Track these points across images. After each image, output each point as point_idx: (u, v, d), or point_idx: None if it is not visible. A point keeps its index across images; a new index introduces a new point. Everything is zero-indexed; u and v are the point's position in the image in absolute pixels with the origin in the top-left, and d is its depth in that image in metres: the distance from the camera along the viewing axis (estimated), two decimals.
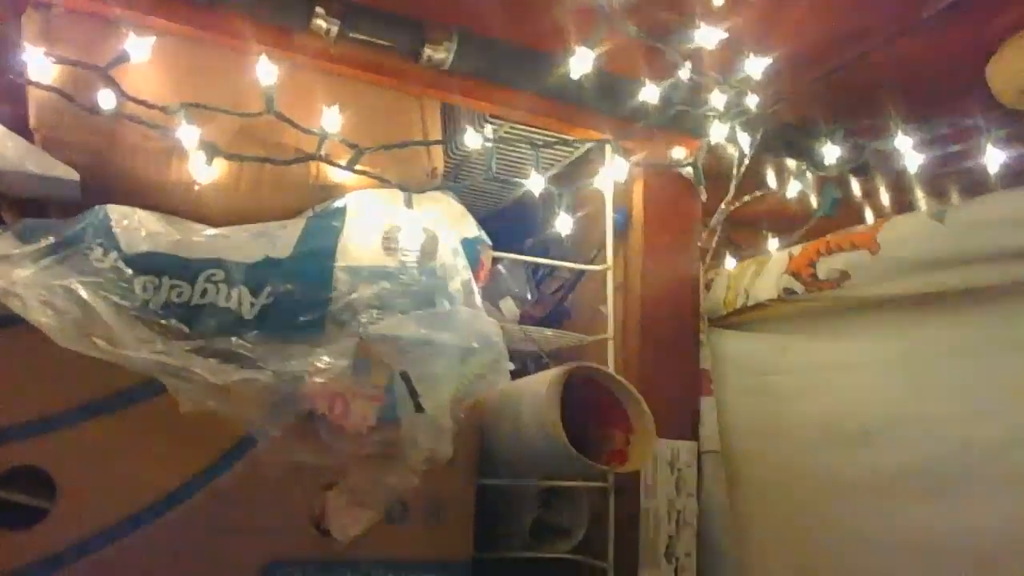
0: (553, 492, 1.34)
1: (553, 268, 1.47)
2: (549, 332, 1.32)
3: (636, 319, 1.31)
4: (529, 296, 1.37)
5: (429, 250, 1.08)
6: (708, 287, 1.41)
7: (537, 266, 1.46)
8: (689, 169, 1.33)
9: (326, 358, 0.94)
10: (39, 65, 0.98)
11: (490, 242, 1.20)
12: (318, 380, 0.96)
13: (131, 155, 1.04)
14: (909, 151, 1.27)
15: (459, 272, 1.08)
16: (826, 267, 1.20)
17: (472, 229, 1.18)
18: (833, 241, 1.21)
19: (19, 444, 0.89)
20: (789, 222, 1.39)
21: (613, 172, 1.28)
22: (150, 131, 0.99)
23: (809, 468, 1.22)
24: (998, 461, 1.00)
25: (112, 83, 0.98)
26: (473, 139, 1.15)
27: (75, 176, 1.02)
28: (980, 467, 1.01)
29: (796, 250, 1.27)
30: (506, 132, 1.27)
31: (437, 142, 1.17)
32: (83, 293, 0.85)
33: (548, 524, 1.33)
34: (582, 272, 1.44)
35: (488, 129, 1.20)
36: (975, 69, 1.26)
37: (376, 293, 1.02)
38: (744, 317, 1.36)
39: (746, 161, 1.37)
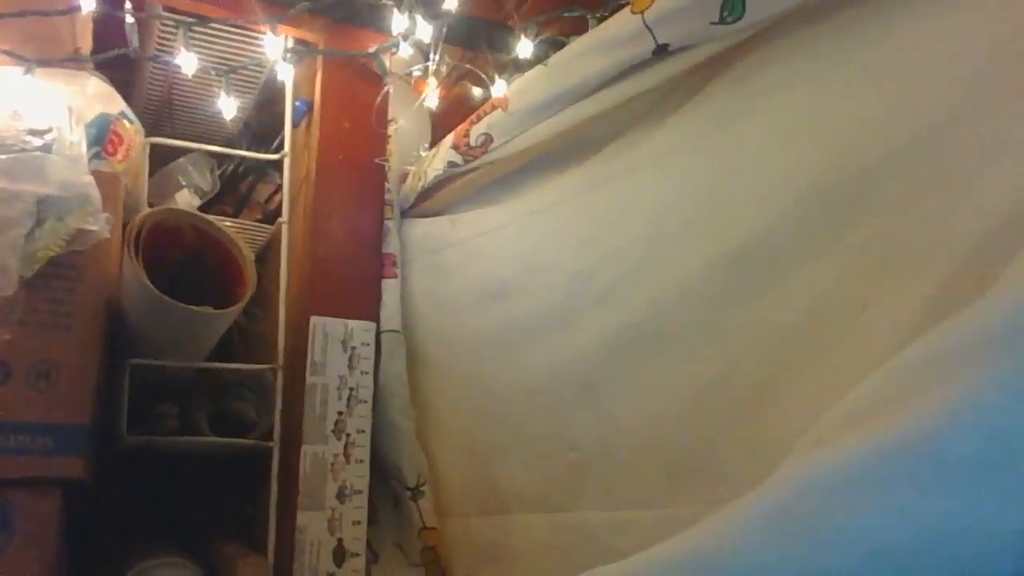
0: (241, 384, 1.32)
1: (252, 165, 1.47)
2: (228, 221, 1.31)
3: (312, 206, 1.31)
4: (208, 188, 1.35)
5: (41, 119, 1.07)
6: (402, 178, 1.42)
7: (228, 163, 1.45)
8: (376, 60, 1.36)
9: None
10: None
11: (132, 120, 1.19)
12: None
13: None
14: None
15: (72, 139, 1.07)
16: (476, 133, 1.22)
17: (112, 107, 1.17)
18: (483, 109, 1.23)
19: None
20: None
21: (284, 59, 1.29)
22: None
23: (467, 333, 1.23)
24: (592, 284, 1.01)
25: None
26: (87, 4, 1.14)
27: None
28: (581, 296, 1.03)
29: (461, 126, 1.28)
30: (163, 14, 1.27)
31: (59, 12, 1.16)
32: None
33: (234, 416, 1.31)
34: (270, 163, 1.43)
35: (126, 6, 1.20)
36: None
37: None
38: (428, 204, 1.37)
39: (435, 56, 1.39)
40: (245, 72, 1.40)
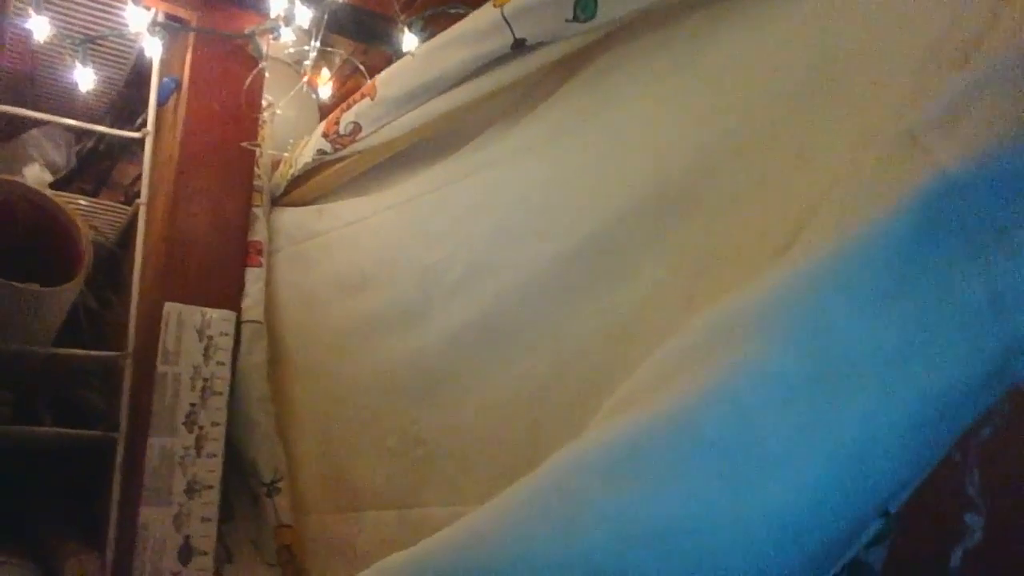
0: (90, 373, 1.26)
1: (114, 144, 1.40)
2: (83, 201, 1.24)
3: (174, 188, 1.25)
4: (63, 164, 1.28)
5: None
6: (273, 165, 1.38)
7: (87, 140, 1.38)
8: (251, 42, 1.32)
9: None
10: None
11: None
12: None
13: None
14: None
15: None
16: (345, 122, 1.20)
17: None
18: (353, 98, 1.20)
19: None
20: None
21: (152, 33, 1.23)
22: None
23: (328, 326, 1.20)
24: (444, 278, 1.00)
25: None
26: None
27: None
28: (433, 290, 1.02)
29: (332, 114, 1.26)
30: None
31: None
32: None
33: (80, 405, 1.24)
34: (133, 142, 1.37)
35: None
36: None
37: None
38: (298, 193, 1.33)
39: (315, 42, 1.36)
40: (113, 46, 1.34)
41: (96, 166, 1.38)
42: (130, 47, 1.37)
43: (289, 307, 1.28)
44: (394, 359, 1.05)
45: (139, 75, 1.44)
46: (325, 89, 1.48)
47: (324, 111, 1.50)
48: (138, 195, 1.38)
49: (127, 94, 1.47)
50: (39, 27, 1.15)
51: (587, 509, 0.46)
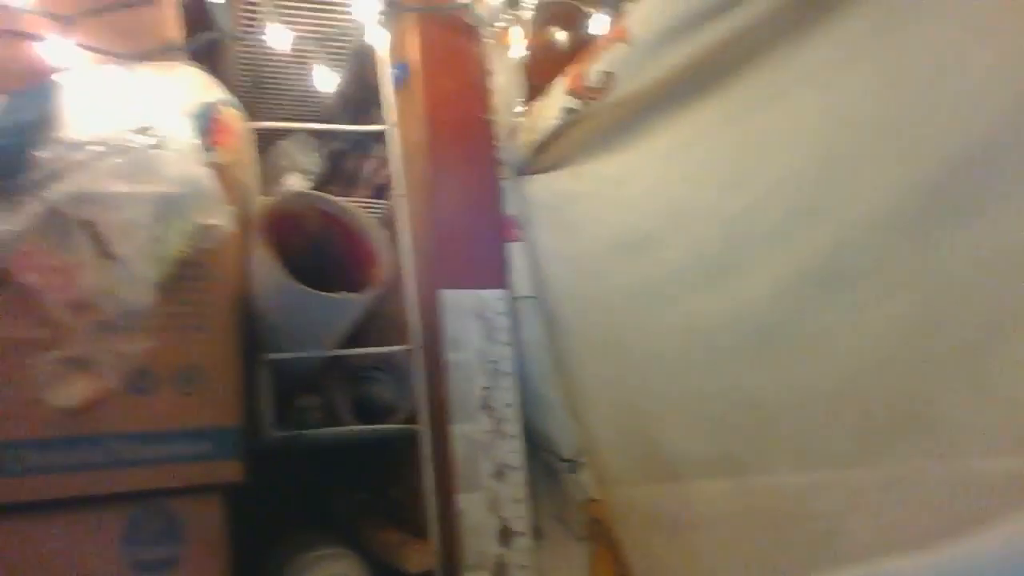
0: (377, 367, 1.29)
1: (357, 142, 1.40)
2: (342, 200, 1.25)
3: (426, 175, 1.24)
4: (317, 169, 1.30)
5: (146, 116, 1.03)
6: (513, 134, 1.33)
7: (333, 141, 1.39)
8: (469, 12, 1.27)
9: (10, 225, 0.89)
10: None
11: (235, 106, 1.14)
12: (17, 249, 0.92)
13: None
14: None
15: (179, 133, 1.02)
16: (594, 73, 1.12)
17: (211, 95, 1.12)
18: (597, 46, 1.12)
19: None
20: None
21: (378, 22, 1.21)
22: None
23: (605, 290, 1.14)
24: (755, 226, 0.91)
25: None
26: None
27: None
28: (741, 240, 0.92)
29: (573, 67, 1.18)
30: None
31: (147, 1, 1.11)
32: None
33: (372, 401, 1.27)
34: (372, 136, 1.36)
35: None
36: None
37: (83, 160, 0.97)
38: (544, 158, 1.27)
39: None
40: (333, 43, 1.34)
41: (342, 165, 1.39)
42: (347, 42, 1.36)
43: (559, 277, 1.23)
44: (702, 320, 0.97)
45: (355, 69, 1.44)
46: (517, 47, 1.39)
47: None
48: (383, 188, 1.39)
49: (349, 88, 1.47)
50: (279, 37, 1.15)
51: None
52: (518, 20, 1.34)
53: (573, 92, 1.16)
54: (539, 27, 1.45)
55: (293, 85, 1.44)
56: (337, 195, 1.38)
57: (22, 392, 0.94)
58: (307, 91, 1.33)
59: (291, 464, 1.38)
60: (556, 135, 1.23)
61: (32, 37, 1.03)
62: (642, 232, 1.08)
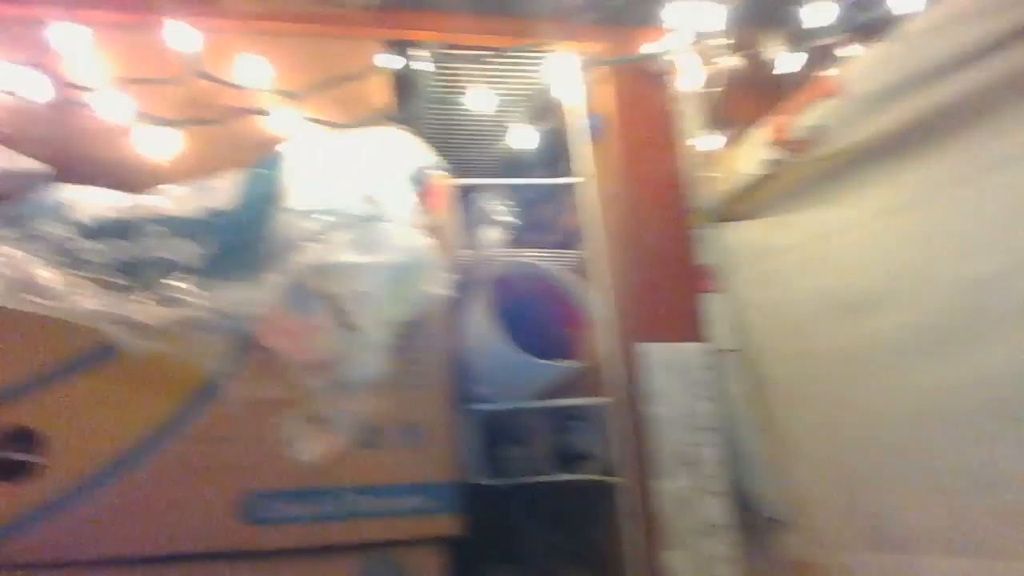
0: (572, 416, 1.31)
1: (548, 191, 1.43)
2: (535, 254, 1.28)
3: (621, 227, 1.25)
4: (513, 221, 1.33)
5: (368, 184, 1.09)
6: (705, 181, 1.32)
7: (526, 192, 1.42)
8: (660, 60, 1.27)
9: (259, 293, 0.97)
10: None
11: (443, 168, 1.19)
12: (263, 316, 0.99)
13: (88, 139, 1.12)
14: None
15: (401, 200, 1.08)
16: (803, 125, 1.10)
17: (422, 159, 1.18)
18: (806, 97, 1.10)
19: (7, 407, 0.98)
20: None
21: (571, 75, 1.24)
22: (98, 113, 1.07)
23: (819, 349, 1.11)
24: (1003, 295, 0.86)
25: (55, 75, 1.07)
26: (388, 62, 1.15)
27: (44, 167, 1.11)
28: (985, 308, 0.88)
29: (776, 117, 1.16)
30: (444, 55, 1.26)
31: (364, 73, 1.17)
32: (21, 257, 0.93)
33: (569, 448, 1.29)
34: (562, 188, 1.38)
35: (420, 53, 1.19)
36: None
37: (315, 229, 1.04)
38: (741, 205, 1.26)
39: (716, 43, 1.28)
40: (525, 98, 1.37)
41: (533, 215, 1.42)
42: (541, 95, 1.39)
43: (762, 331, 1.21)
44: (935, 392, 0.93)
45: (542, 119, 1.46)
46: (706, 89, 1.37)
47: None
48: (572, 237, 1.41)
49: (542, 140, 1.50)
50: (479, 100, 1.19)
51: None
52: (707, 63, 1.33)
53: (779, 142, 1.14)
54: (725, 68, 1.44)
55: (485, 140, 1.49)
56: (528, 246, 1.42)
57: (268, 446, 1.02)
58: (498, 144, 1.37)
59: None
60: (755, 185, 1.21)
61: (262, 112, 1.11)
62: (857, 292, 1.04)
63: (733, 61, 1.33)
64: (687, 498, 1.16)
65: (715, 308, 1.23)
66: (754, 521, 1.19)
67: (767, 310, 1.22)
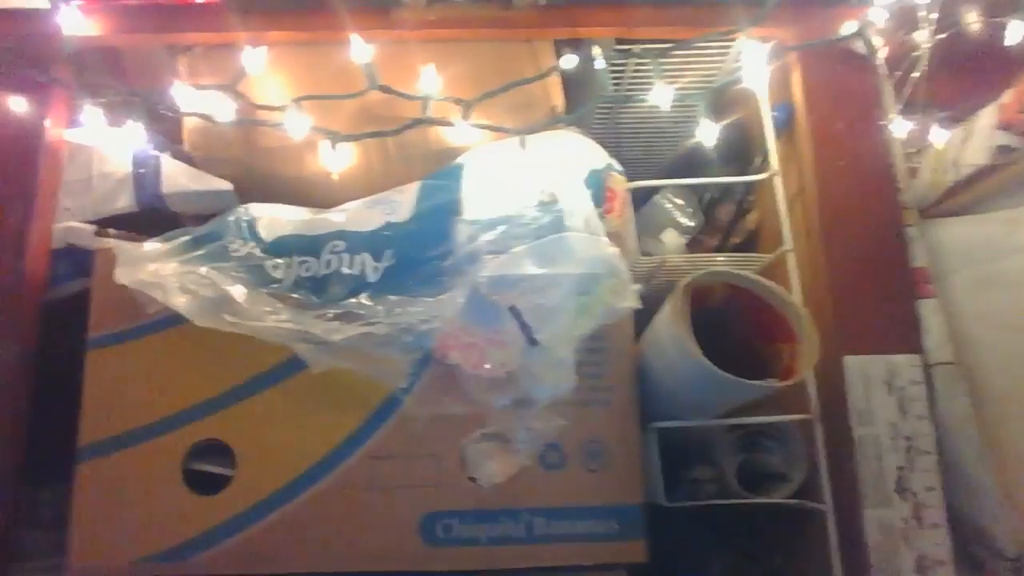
0: (762, 433, 1.20)
1: (726, 189, 1.33)
2: (721, 257, 1.19)
3: (817, 225, 1.13)
4: (693, 223, 1.24)
5: (547, 190, 1.04)
6: (913, 173, 1.18)
7: (704, 191, 1.33)
8: (859, 41, 1.15)
9: (441, 308, 0.94)
10: (187, 97, 1.12)
11: (619, 170, 1.12)
12: (444, 331, 0.96)
13: (270, 157, 1.15)
14: None
15: (580, 206, 1.02)
16: None
17: (598, 161, 1.11)
18: None
19: (200, 422, 1.01)
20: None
21: (759, 64, 1.13)
22: (278, 132, 1.08)
23: None
24: None
25: (239, 96, 1.10)
26: (568, 62, 1.09)
27: (229, 186, 1.14)
28: None
29: (1006, 97, 1.01)
30: (619, 51, 1.19)
31: (541, 77, 1.12)
32: (216, 277, 0.95)
33: (758, 468, 1.19)
34: (746, 186, 1.28)
35: (595, 49, 1.12)
36: None
37: (494, 240, 1.00)
38: (960, 199, 1.10)
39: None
40: (699, 90, 1.28)
41: (713, 215, 1.33)
42: (724, 87, 1.29)
43: (988, 341, 1.06)
44: None
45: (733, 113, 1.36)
46: (911, 69, 1.21)
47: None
48: (754, 237, 1.31)
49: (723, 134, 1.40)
50: (660, 94, 1.12)
51: None
52: (912, 41, 1.19)
53: (1010, 127, 0.99)
54: (934, 45, 1.28)
55: (662, 139, 1.41)
56: (708, 247, 1.33)
57: (450, 465, 1.00)
58: (676, 143, 1.28)
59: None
60: (978, 176, 1.06)
61: (440, 123, 1.08)
62: None
63: (943, 35, 1.17)
64: (900, 529, 1.03)
65: (930, 316, 1.08)
66: (982, 558, 1.04)
67: (994, 319, 1.06)
